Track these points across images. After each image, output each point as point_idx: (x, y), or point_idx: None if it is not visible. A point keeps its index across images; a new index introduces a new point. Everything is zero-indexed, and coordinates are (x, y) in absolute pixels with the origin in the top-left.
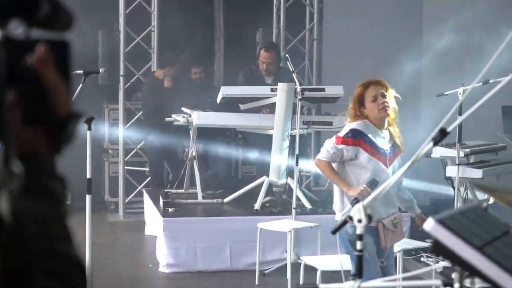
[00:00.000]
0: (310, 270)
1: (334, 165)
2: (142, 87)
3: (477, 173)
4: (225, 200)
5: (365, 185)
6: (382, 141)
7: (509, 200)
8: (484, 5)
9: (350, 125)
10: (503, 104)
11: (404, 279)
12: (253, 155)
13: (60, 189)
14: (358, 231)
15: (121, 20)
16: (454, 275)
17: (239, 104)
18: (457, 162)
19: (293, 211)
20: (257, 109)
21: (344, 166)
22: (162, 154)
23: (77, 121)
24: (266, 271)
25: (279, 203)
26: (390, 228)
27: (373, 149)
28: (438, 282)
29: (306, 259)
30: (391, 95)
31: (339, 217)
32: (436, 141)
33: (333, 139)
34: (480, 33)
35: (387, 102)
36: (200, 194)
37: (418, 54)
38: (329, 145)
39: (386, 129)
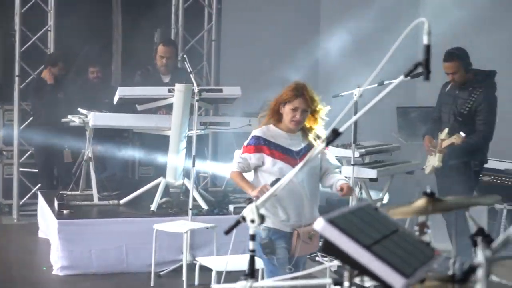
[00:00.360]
0: (206, 271)
1: (250, 174)
2: (26, 90)
3: (371, 173)
4: (121, 201)
5: (268, 185)
6: (291, 142)
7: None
8: (381, 5)
9: (254, 131)
10: (397, 105)
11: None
12: (150, 156)
13: None
14: (251, 231)
15: (17, 19)
16: (344, 274)
17: (136, 105)
18: (352, 163)
19: (190, 212)
20: (154, 110)
21: (257, 173)
22: (49, 156)
23: None
24: (161, 273)
25: (175, 204)
26: (305, 240)
27: (279, 153)
28: (328, 280)
29: (201, 260)
30: (318, 113)
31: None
32: (329, 142)
33: (242, 149)
34: (377, 33)
35: (302, 120)
36: (96, 196)
37: (315, 54)
38: (237, 156)
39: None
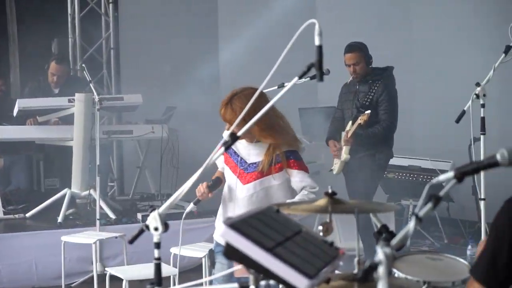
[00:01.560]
0: (118, 280)
1: None
2: None
3: None
4: (28, 214)
5: (205, 183)
6: (249, 153)
7: (305, 209)
8: (278, 8)
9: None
10: (300, 107)
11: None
12: (54, 167)
13: None
14: (155, 239)
15: None
16: (250, 278)
17: (37, 117)
18: None
19: (97, 221)
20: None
21: None
22: None
23: None
24: (72, 285)
25: (83, 215)
26: None
27: (229, 158)
28: (235, 285)
29: (111, 270)
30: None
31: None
32: (228, 146)
33: None
34: (276, 35)
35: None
36: (1, 210)
37: (215, 58)
38: None
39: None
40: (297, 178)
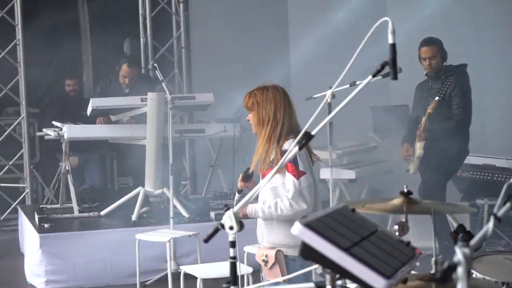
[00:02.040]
0: (192, 279)
1: None
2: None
3: (350, 174)
4: (102, 212)
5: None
6: None
7: (380, 208)
8: (348, 6)
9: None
10: (372, 105)
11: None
12: (127, 166)
13: None
14: (230, 238)
15: None
16: (326, 278)
17: (110, 116)
18: (329, 164)
19: (171, 220)
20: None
21: None
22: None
23: None
24: (147, 283)
25: (156, 213)
26: (259, 262)
27: None
28: (311, 284)
29: (186, 268)
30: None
31: None
32: (302, 145)
33: None
34: (347, 33)
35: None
36: (76, 208)
37: (286, 57)
38: None
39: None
40: (286, 181)
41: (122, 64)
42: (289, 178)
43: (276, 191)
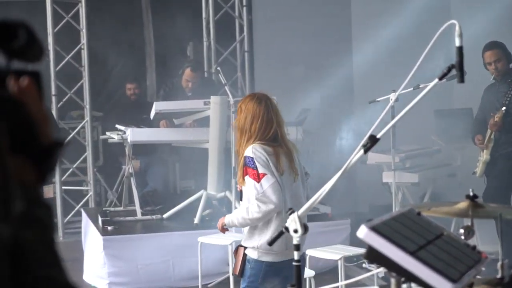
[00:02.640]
0: None
1: None
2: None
3: (413, 178)
4: (165, 215)
5: None
6: None
7: (446, 212)
8: (412, 8)
9: None
10: (435, 108)
11: (346, 286)
12: (190, 169)
13: (47, 216)
14: (295, 241)
15: (50, 39)
16: (391, 281)
17: (173, 119)
18: (392, 168)
19: None
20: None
21: None
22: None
23: (60, 149)
24: (209, 285)
25: (218, 216)
26: None
27: None
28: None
29: None
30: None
31: None
32: (367, 148)
33: None
34: (410, 37)
35: None
36: (139, 211)
37: (349, 59)
38: None
39: None
40: (248, 187)
41: (185, 68)
42: (250, 183)
43: (249, 197)
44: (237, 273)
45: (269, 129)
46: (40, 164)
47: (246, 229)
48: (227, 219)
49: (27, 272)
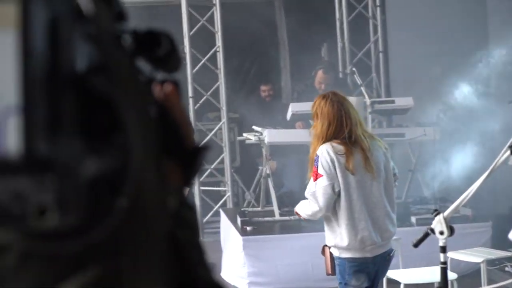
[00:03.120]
0: (393, 284)
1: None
2: None
3: None
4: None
5: None
6: None
7: None
8: None
9: None
10: None
11: None
12: None
13: (193, 218)
14: (441, 243)
15: (186, 42)
16: None
17: (309, 120)
18: None
19: None
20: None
21: None
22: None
23: (204, 153)
24: None
25: None
26: None
27: None
28: None
29: (389, 273)
30: None
31: None
32: None
33: None
34: None
35: None
36: (277, 212)
37: (486, 59)
38: None
39: None
40: None
41: (318, 70)
42: (310, 180)
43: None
44: (330, 272)
45: (343, 130)
46: (185, 167)
47: (325, 228)
48: (297, 207)
49: (187, 270)
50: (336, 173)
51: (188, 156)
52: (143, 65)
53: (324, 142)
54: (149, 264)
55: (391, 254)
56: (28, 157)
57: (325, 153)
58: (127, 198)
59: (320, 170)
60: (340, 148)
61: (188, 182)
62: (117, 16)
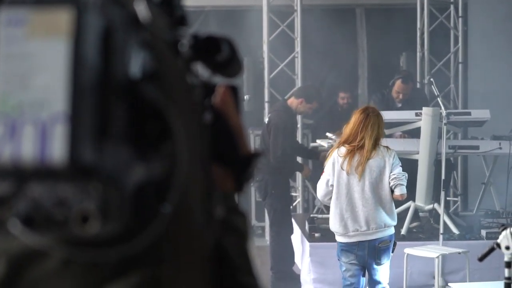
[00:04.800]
0: None
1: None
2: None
3: None
4: None
5: None
6: None
7: None
8: None
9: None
10: None
11: None
12: None
13: (244, 225)
14: (506, 258)
15: (265, 47)
16: None
17: (384, 130)
18: None
19: (441, 236)
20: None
21: None
22: None
23: (257, 160)
24: None
25: (426, 229)
26: None
27: None
28: None
29: (454, 286)
30: None
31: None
32: None
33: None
34: None
35: None
36: None
37: None
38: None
39: None
40: None
41: (396, 79)
42: None
43: None
44: None
45: (356, 138)
46: (239, 174)
47: None
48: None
49: (231, 277)
50: (334, 171)
51: (240, 163)
52: (203, 69)
53: (339, 145)
54: (190, 272)
55: (379, 244)
56: (73, 164)
57: (332, 154)
58: (171, 206)
59: (326, 167)
60: (344, 151)
61: (240, 188)
62: (178, 21)
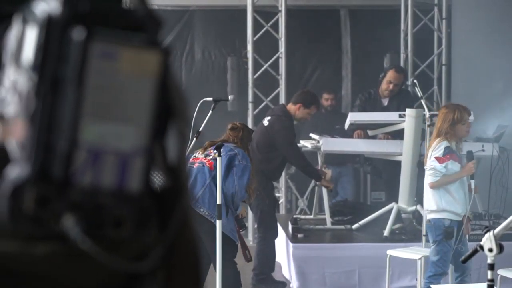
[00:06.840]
0: None
1: None
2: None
3: None
4: (354, 226)
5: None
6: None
7: None
8: None
9: (440, 145)
10: None
11: None
12: (381, 181)
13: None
14: (489, 261)
15: (249, 47)
16: None
17: (367, 130)
18: None
19: (423, 238)
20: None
21: None
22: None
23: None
24: None
25: (408, 230)
26: None
27: (458, 157)
28: None
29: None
30: None
31: (431, 216)
32: None
33: (436, 161)
34: None
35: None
36: (328, 220)
37: None
38: (436, 167)
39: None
40: None
41: (389, 69)
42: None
43: None
44: None
45: None
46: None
47: None
48: None
49: None
50: None
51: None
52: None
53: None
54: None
55: None
56: (143, 194)
57: None
58: (182, 213)
59: None
60: None
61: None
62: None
